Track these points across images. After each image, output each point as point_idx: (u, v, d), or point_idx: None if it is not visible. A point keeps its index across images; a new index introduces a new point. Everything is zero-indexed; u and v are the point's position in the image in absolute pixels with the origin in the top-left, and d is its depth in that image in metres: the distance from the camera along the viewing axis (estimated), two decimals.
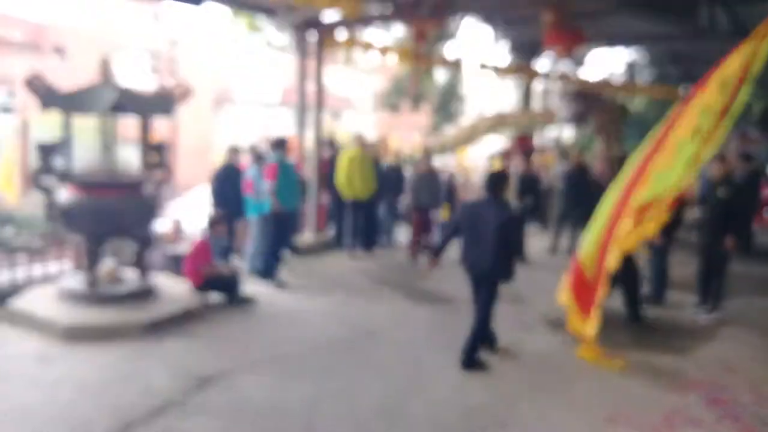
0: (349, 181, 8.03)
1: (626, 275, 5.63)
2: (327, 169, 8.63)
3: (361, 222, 8.36)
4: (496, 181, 4.79)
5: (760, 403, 4.18)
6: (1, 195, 11.93)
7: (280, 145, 7.00)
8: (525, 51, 12.97)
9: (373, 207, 8.50)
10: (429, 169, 8.13)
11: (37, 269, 6.60)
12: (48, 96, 5.16)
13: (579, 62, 14.98)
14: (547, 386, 4.40)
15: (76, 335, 4.88)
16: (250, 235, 7.25)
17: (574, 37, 9.87)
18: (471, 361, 4.71)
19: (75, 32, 26.67)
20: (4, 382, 4.13)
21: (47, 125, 15.15)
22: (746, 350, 5.21)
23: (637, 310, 5.87)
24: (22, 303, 5.33)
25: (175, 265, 6.84)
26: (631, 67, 16.02)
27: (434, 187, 8.19)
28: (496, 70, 11.98)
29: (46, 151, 5.18)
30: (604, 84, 14.05)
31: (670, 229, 6.25)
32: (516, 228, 4.91)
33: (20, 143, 5.47)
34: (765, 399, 4.24)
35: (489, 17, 12.05)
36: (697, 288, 6.23)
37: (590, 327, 4.64)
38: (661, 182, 4.45)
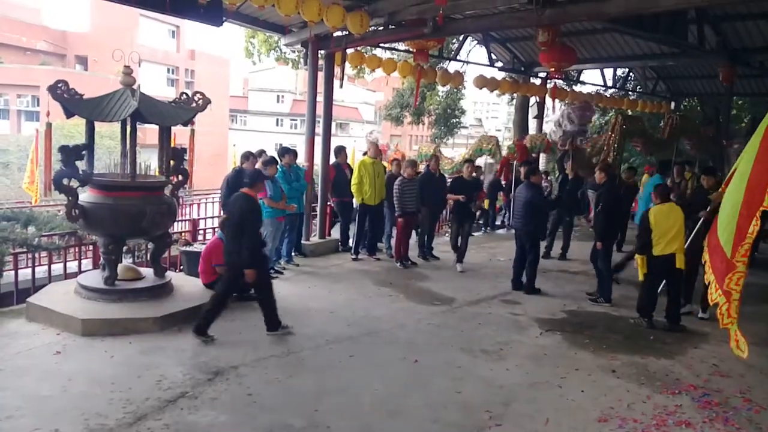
0: (359, 187, 8.04)
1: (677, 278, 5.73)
2: (334, 176, 8.58)
3: (367, 226, 8.30)
4: (531, 171, 7.16)
5: (752, 408, 4.05)
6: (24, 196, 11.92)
7: (281, 155, 7.58)
8: (521, 68, 12.94)
9: (380, 212, 8.43)
10: (413, 176, 8.08)
11: (58, 267, 6.55)
12: (71, 103, 5.12)
13: (572, 79, 14.93)
14: (542, 386, 4.30)
15: (93, 329, 4.82)
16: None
17: (567, 56, 9.85)
18: (532, 289, 6.79)
19: (98, 42, 26.89)
20: (21, 374, 4.05)
21: (71, 130, 15.19)
22: (738, 356, 5.07)
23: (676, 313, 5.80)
24: (41, 299, 5.26)
25: (190, 263, 6.78)
26: (623, 83, 15.95)
27: (417, 193, 8.07)
28: (494, 85, 11.95)
29: (69, 154, 5.12)
30: (597, 99, 14.01)
31: (611, 233, 6.57)
32: (539, 203, 6.84)
33: (44, 147, 5.41)
34: (756, 403, 4.12)
35: (486, 36, 12.05)
36: (684, 292, 6.13)
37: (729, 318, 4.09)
38: None
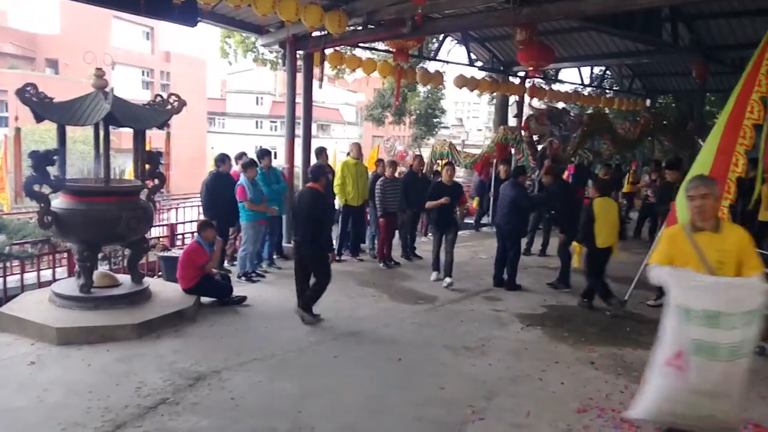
0: (342, 188, 8.06)
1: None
2: None
3: (350, 227, 8.33)
4: (519, 171, 7.29)
5: None
6: None
7: (260, 157, 7.49)
8: (500, 68, 13.07)
9: (363, 213, 8.46)
10: (394, 176, 8.14)
11: (31, 276, 6.44)
12: (41, 107, 5.04)
13: (551, 78, 15.14)
14: (523, 379, 4.37)
15: (69, 338, 4.75)
16: (241, 239, 7.17)
17: (545, 55, 9.99)
18: (513, 285, 6.89)
19: (69, 44, 26.41)
20: None
21: (43, 135, 14.89)
22: None
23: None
24: (13, 308, 5.17)
25: (169, 269, 6.73)
26: (600, 81, 16.22)
27: (399, 193, 8.10)
28: (474, 85, 12.07)
29: (39, 159, 5.04)
30: (574, 97, 14.22)
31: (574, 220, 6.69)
32: (524, 202, 6.89)
33: (13, 153, 5.32)
34: None
35: (465, 36, 12.16)
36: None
37: None
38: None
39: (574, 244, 6.28)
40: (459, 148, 13.77)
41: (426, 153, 14.37)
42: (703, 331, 2.67)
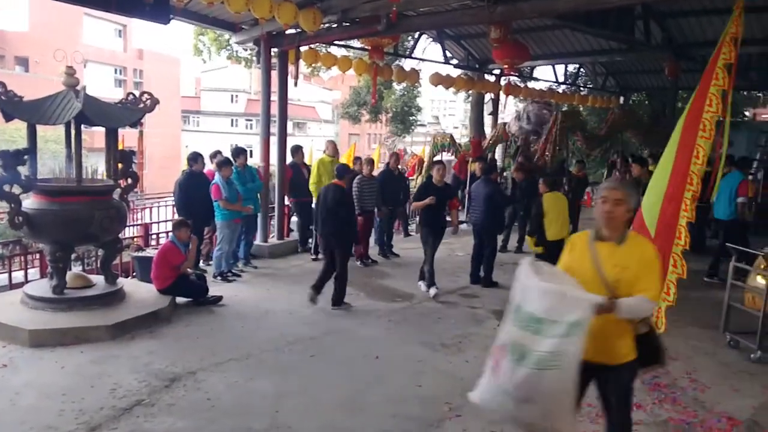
0: (318, 186, 8.05)
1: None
2: (291, 176, 8.57)
3: None
4: (490, 168, 7.63)
5: (698, 387, 4.30)
6: None
7: (236, 155, 7.52)
8: (475, 65, 13.19)
9: None
10: (371, 175, 8.18)
11: (2, 278, 6.31)
12: (10, 106, 4.94)
13: (526, 75, 15.32)
14: None
15: (42, 340, 4.68)
16: (216, 239, 7.13)
17: (519, 53, 10.12)
18: (490, 282, 6.95)
19: (39, 42, 25.77)
20: None
21: (13, 134, 14.52)
22: (685, 339, 5.34)
23: None
24: None
25: (143, 269, 6.66)
26: (574, 79, 16.47)
27: (377, 192, 8.15)
28: (449, 83, 12.15)
29: (9, 159, 4.94)
30: (549, 94, 14.41)
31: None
32: (499, 199, 7.09)
33: None
34: (701, 383, 4.37)
35: (440, 34, 12.24)
36: None
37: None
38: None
39: (527, 237, 6.49)
40: None
41: (418, 150, 14.45)
42: (521, 334, 2.52)
